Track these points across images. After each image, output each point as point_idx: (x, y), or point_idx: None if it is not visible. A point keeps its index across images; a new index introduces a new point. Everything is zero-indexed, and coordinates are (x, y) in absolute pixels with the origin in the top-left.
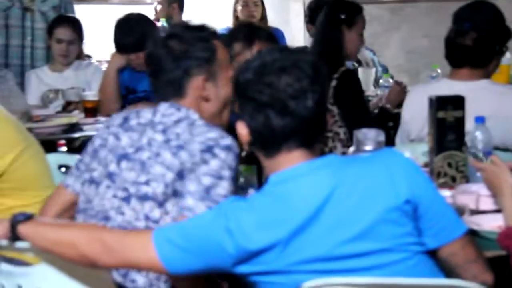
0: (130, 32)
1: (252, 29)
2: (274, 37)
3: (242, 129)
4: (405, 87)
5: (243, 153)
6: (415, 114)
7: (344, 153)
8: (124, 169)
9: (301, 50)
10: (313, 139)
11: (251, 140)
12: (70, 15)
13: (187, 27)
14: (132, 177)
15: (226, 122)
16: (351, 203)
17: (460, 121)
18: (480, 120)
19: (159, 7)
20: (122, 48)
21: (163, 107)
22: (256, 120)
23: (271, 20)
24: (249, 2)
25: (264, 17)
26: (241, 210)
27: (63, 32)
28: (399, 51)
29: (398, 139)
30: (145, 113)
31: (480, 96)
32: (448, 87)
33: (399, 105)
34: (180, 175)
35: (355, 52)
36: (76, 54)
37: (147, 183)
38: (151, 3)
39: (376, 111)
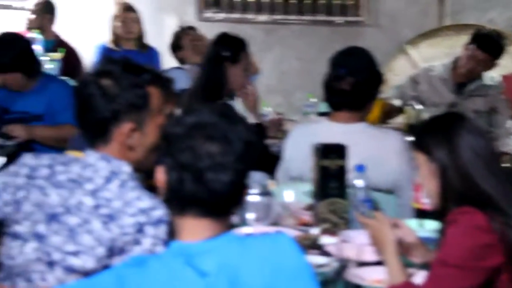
0: (5, 52)
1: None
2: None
3: (160, 174)
4: (281, 120)
5: None
6: (297, 154)
7: None
8: (52, 232)
9: (240, 121)
10: (222, 211)
11: (164, 190)
12: None
13: (124, 67)
14: (58, 242)
15: (151, 166)
16: None
17: (342, 170)
18: (360, 168)
19: (32, 17)
20: None
21: (93, 158)
22: (171, 176)
23: (145, 33)
24: (127, 19)
25: (141, 33)
26: (134, 274)
27: None
28: (272, 71)
29: (280, 176)
30: (74, 167)
31: (357, 139)
32: (328, 129)
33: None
34: (111, 252)
35: (240, 87)
36: None
37: (75, 254)
38: (21, 9)
39: None
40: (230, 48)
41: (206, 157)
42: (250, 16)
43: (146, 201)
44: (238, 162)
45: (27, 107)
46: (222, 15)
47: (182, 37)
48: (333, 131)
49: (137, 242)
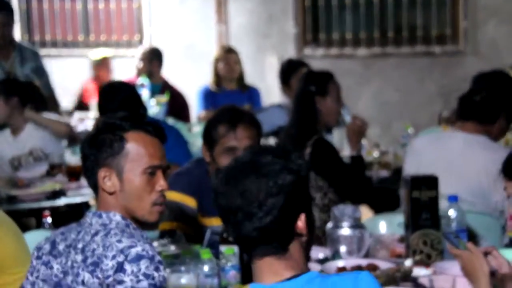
0: (111, 98)
1: (235, 113)
2: (256, 120)
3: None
4: (365, 123)
5: (224, 234)
6: (420, 163)
7: (323, 220)
8: None
9: (275, 151)
10: (282, 244)
11: None
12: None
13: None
14: None
15: (155, 217)
16: None
17: (434, 201)
18: (453, 199)
19: (140, 64)
20: (106, 113)
21: (88, 218)
22: (227, 226)
23: (247, 73)
24: (229, 61)
25: (242, 73)
26: None
27: None
28: (371, 103)
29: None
30: (71, 234)
31: (474, 149)
32: (450, 135)
33: None
34: None
35: (334, 119)
36: None
37: None
38: (132, 57)
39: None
40: (317, 82)
41: (250, 194)
42: (348, 51)
43: (125, 241)
44: (277, 195)
45: None
46: (320, 52)
47: (290, 74)
48: (455, 137)
49: (119, 282)
